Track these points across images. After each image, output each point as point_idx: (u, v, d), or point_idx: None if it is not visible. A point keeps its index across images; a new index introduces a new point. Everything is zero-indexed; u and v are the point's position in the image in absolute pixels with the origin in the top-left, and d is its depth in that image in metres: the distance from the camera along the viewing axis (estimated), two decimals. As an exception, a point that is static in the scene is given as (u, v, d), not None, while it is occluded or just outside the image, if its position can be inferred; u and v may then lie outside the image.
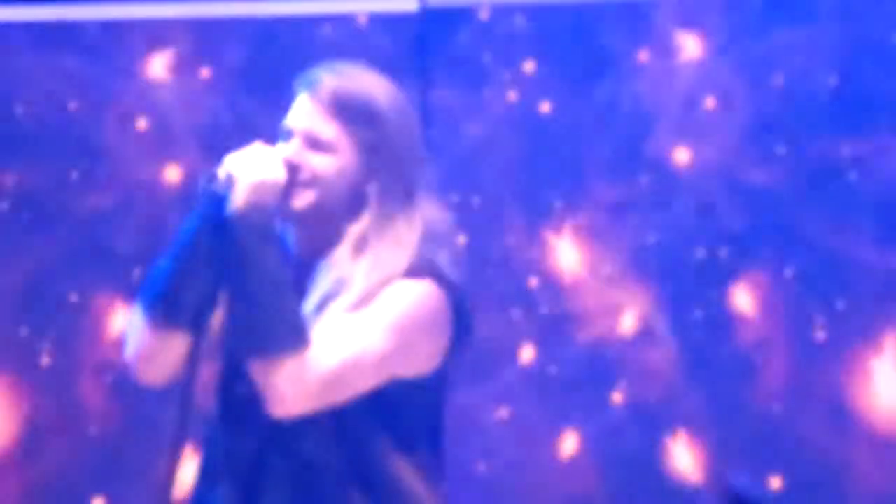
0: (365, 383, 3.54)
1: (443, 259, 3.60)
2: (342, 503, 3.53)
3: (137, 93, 5.25)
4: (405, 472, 3.55)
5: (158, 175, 5.23)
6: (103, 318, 5.20)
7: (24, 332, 5.18)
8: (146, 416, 4.89)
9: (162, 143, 5.23)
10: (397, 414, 3.58)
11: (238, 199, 3.53)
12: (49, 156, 5.21)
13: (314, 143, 3.56)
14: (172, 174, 5.21)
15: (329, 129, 3.57)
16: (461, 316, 3.56)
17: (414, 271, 3.56)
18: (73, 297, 5.18)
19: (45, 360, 5.17)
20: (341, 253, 3.62)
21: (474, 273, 3.90)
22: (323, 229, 3.58)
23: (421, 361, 3.60)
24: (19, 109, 5.17)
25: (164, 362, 3.53)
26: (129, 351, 3.59)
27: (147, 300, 3.53)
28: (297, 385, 3.48)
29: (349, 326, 3.56)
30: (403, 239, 3.61)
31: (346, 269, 3.59)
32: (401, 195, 3.60)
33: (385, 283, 3.61)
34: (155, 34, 5.24)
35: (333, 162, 3.58)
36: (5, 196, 5.21)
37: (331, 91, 3.56)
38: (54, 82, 5.22)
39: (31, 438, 5.20)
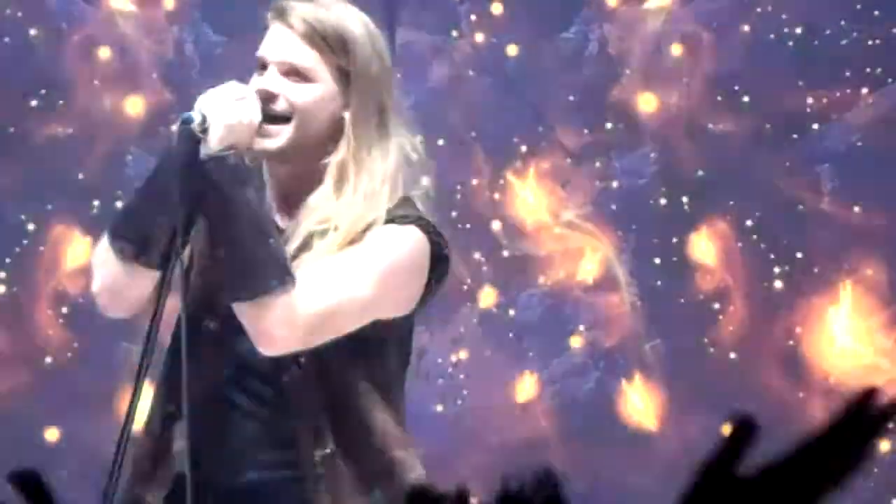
0: (350, 325, 3.43)
1: (420, 192, 3.50)
2: (313, 442, 3.42)
3: (100, 22, 5.12)
4: (379, 412, 3.43)
5: (120, 106, 5.10)
6: (60, 248, 5.12)
7: None
8: (101, 348, 4.84)
9: (124, 74, 5.12)
10: (375, 354, 3.45)
11: (213, 140, 3.35)
12: (9, 83, 5.09)
13: (292, 73, 3.42)
14: (134, 106, 5.08)
15: (307, 58, 3.41)
16: (440, 262, 3.46)
17: (399, 216, 3.45)
18: (31, 227, 5.09)
19: (1, 290, 5.10)
20: (323, 191, 3.47)
21: (437, 214, 3.81)
22: (303, 164, 3.44)
23: (402, 305, 3.51)
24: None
25: (130, 296, 3.45)
26: (97, 284, 3.50)
27: (118, 236, 3.42)
28: (285, 324, 3.40)
29: (338, 268, 3.46)
30: (380, 169, 3.48)
31: (329, 206, 3.45)
32: (375, 123, 3.48)
33: (370, 223, 3.46)
34: None
35: (312, 90, 3.43)
36: None
37: (306, 19, 3.42)
38: (15, 8, 5.09)
39: None
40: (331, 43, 3.50)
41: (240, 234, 3.44)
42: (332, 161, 3.48)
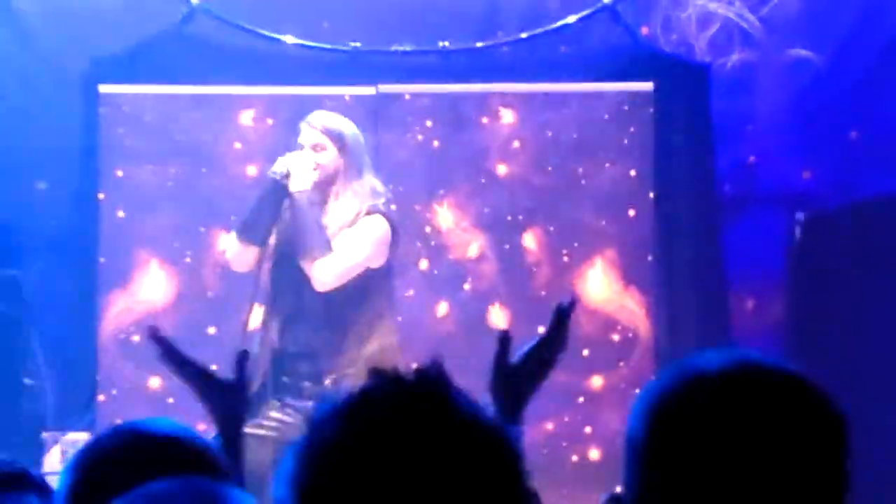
0: (359, 269, 4.48)
1: (381, 202, 4.65)
2: (350, 325, 4.47)
3: (234, 130, 5.88)
4: (385, 319, 4.56)
5: (245, 170, 5.86)
6: (216, 239, 5.85)
7: (176, 244, 5.85)
8: (236, 288, 5.29)
9: (247, 155, 5.85)
10: (377, 286, 4.58)
11: (294, 184, 4.53)
12: (189, 157, 5.82)
13: (316, 148, 4.63)
14: (252, 170, 5.82)
15: (324, 140, 4.63)
16: (394, 232, 4.62)
17: (371, 212, 4.63)
18: (202, 229, 5.89)
19: (188, 260, 5.90)
20: (332, 201, 4.63)
21: (401, 224, 4.98)
22: (323, 191, 4.56)
23: (380, 257, 4.63)
24: (179, 136, 5.80)
25: (244, 261, 4.66)
26: (229, 254, 4.78)
27: (239, 230, 4.70)
28: (327, 274, 4.45)
29: (349, 242, 4.50)
30: (358, 193, 4.60)
31: (335, 208, 4.57)
32: (355, 173, 4.59)
33: (357, 216, 4.59)
34: (244, 101, 5.89)
35: (326, 156, 4.61)
36: (171, 178, 5.82)
37: (322, 123, 4.69)
38: (190, 122, 5.85)
39: (179, 298, 5.83)
40: (334, 134, 4.61)
41: (306, 226, 4.44)
42: (333, 189, 4.55)
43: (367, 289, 4.55)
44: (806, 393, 1.41)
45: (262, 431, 4.43)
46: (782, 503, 1.36)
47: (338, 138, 4.59)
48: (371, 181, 4.63)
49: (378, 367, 1.32)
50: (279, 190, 4.55)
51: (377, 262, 4.55)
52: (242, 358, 2.22)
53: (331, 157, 4.61)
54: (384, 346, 4.53)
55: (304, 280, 4.55)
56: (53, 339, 5.77)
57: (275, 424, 4.49)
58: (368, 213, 4.55)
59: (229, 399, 2.19)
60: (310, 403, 4.34)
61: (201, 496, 1.39)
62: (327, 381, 4.44)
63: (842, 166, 5.87)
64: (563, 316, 2.10)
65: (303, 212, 4.45)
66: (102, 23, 5.74)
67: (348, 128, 4.69)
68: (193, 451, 1.68)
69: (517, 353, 2.04)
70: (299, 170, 4.56)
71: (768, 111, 5.89)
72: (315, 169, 4.58)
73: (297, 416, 4.48)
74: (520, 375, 2.02)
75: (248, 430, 4.01)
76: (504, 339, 2.05)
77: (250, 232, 4.57)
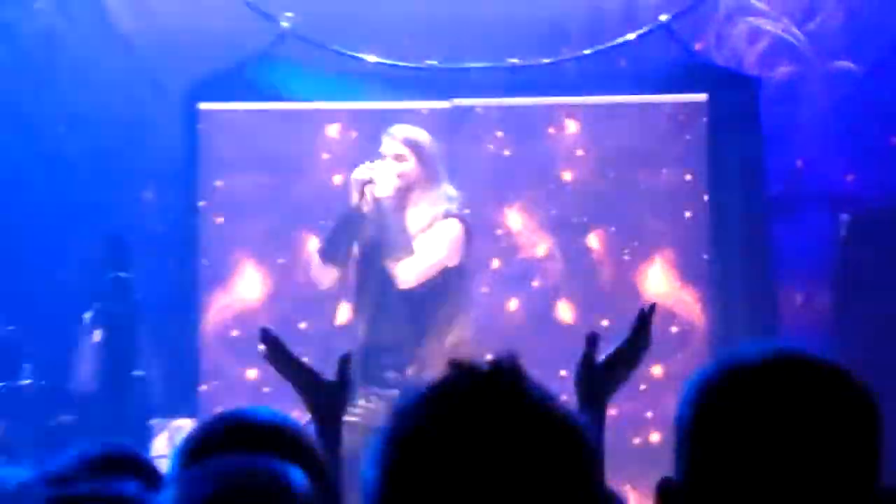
0: (438, 269, 4.69)
1: (454, 205, 4.86)
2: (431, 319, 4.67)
3: (322, 142, 6.15)
4: (460, 314, 4.73)
5: (331, 179, 6.05)
6: (306, 242, 6.05)
7: (269, 247, 6.07)
8: (323, 293, 5.38)
9: (334, 165, 6.06)
10: (453, 283, 4.73)
11: (378, 191, 4.67)
12: (280, 167, 6.10)
13: (397, 158, 4.85)
14: (338, 178, 5.97)
15: (404, 151, 4.83)
16: (468, 234, 4.85)
17: (447, 215, 4.82)
18: (293, 233, 6.13)
19: (280, 261, 6.14)
20: (412, 206, 4.80)
21: (475, 226, 5.15)
22: (404, 197, 4.76)
23: (456, 257, 4.83)
24: (271, 149, 6.08)
25: (326, 279, 4.87)
26: (313, 273, 5.00)
27: (321, 252, 4.88)
28: (409, 273, 4.63)
29: (428, 243, 4.70)
30: (434, 199, 4.81)
31: (414, 213, 4.80)
32: (432, 181, 4.76)
33: (434, 220, 4.79)
34: (330, 115, 6.13)
35: (407, 166, 4.81)
36: (264, 187, 6.01)
37: (403, 134, 4.90)
38: (281, 135, 6.08)
39: (273, 296, 6.06)
40: (414, 144, 4.78)
41: (390, 230, 4.63)
42: (413, 196, 4.71)
43: (444, 287, 4.74)
44: (839, 380, 1.43)
45: (350, 418, 4.12)
46: (816, 487, 1.39)
47: (416, 149, 4.81)
48: (446, 188, 4.84)
49: (456, 358, 1.36)
50: (355, 217, 4.77)
51: (453, 262, 4.73)
52: (345, 360, 2.24)
53: (410, 166, 4.82)
54: (461, 338, 4.75)
55: (388, 279, 4.77)
56: (160, 335, 6.01)
57: (361, 411, 4.66)
58: (444, 216, 4.77)
59: (330, 398, 2.21)
60: (394, 392, 4.59)
61: (263, 474, 1.48)
62: (409, 372, 4.67)
63: (883, 169, 6.04)
64: (644, 320, 2.17)
65: (387, 216, 4.63)
66: (201, 46, 6.00)
67: (426, 139, 4.90)
68: (291, 437, 1.74)
69: (603, 354, 2.11)
70: (382, 178, 4.76)
71: (814, 119, 6.08)
72: (397, 177, 4.80)
73: (382, 404, 4.69)
74: (604, 374, 2.07)
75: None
76: (592, 339, 2.11)
77: (330, 254, 4.79)
